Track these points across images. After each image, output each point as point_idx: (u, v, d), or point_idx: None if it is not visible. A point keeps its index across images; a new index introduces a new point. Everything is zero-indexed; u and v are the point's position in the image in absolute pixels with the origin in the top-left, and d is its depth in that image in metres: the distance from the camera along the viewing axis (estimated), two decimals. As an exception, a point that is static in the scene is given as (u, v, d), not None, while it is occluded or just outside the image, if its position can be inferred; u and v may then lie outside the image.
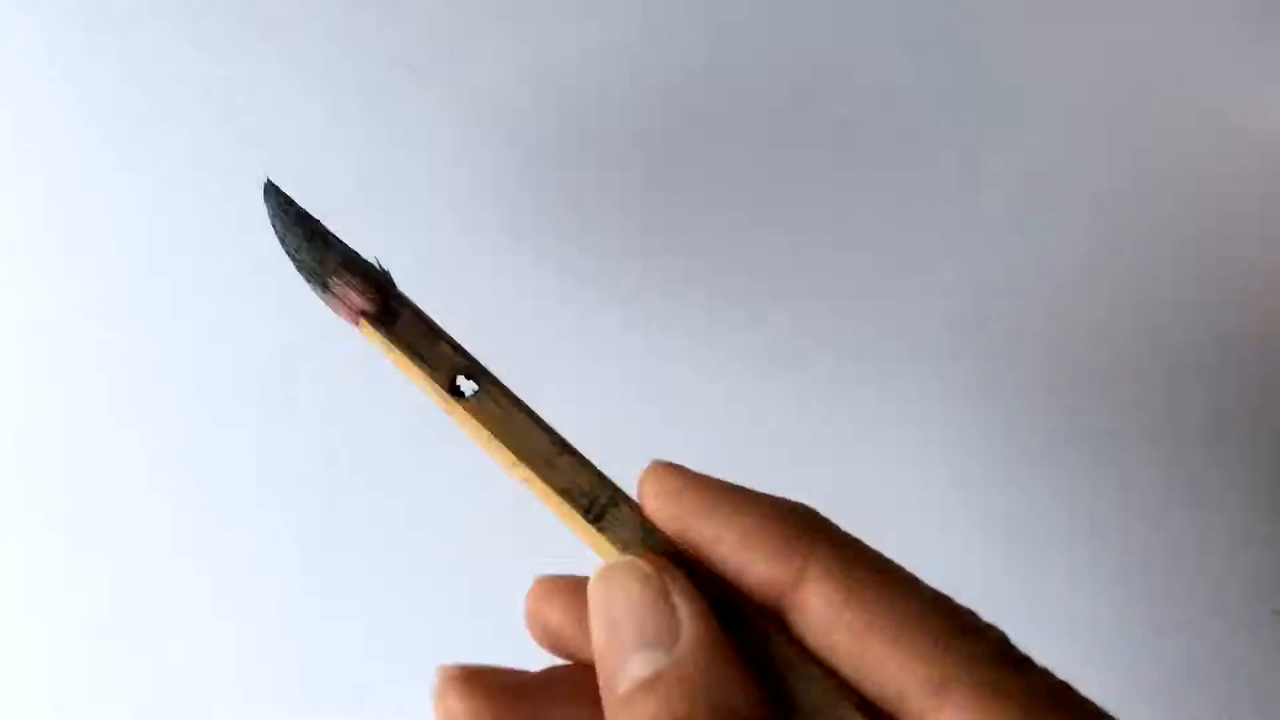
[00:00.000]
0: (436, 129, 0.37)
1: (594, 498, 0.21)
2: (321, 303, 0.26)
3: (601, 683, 0.20)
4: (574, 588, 0.22)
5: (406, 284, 0.38)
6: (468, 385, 0.22)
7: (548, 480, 0.21)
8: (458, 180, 0.38)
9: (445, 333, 0.24)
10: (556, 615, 0.22)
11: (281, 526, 0.38)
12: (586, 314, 0.38)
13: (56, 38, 0.38)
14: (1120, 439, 0.38)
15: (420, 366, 0.22)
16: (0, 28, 0.38)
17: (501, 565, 0.38)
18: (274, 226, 0.28)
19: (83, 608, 0.38)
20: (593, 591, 0.20)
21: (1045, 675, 0.19)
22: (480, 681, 0.21)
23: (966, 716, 0.18)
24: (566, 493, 0.21)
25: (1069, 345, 0.38)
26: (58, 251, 0.38)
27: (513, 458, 0.21)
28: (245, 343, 0.38)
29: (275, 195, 0.28)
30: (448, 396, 0.22)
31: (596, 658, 0.20)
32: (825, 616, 0.20)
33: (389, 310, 0.23)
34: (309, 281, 0.27)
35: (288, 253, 0.27)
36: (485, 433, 0.22)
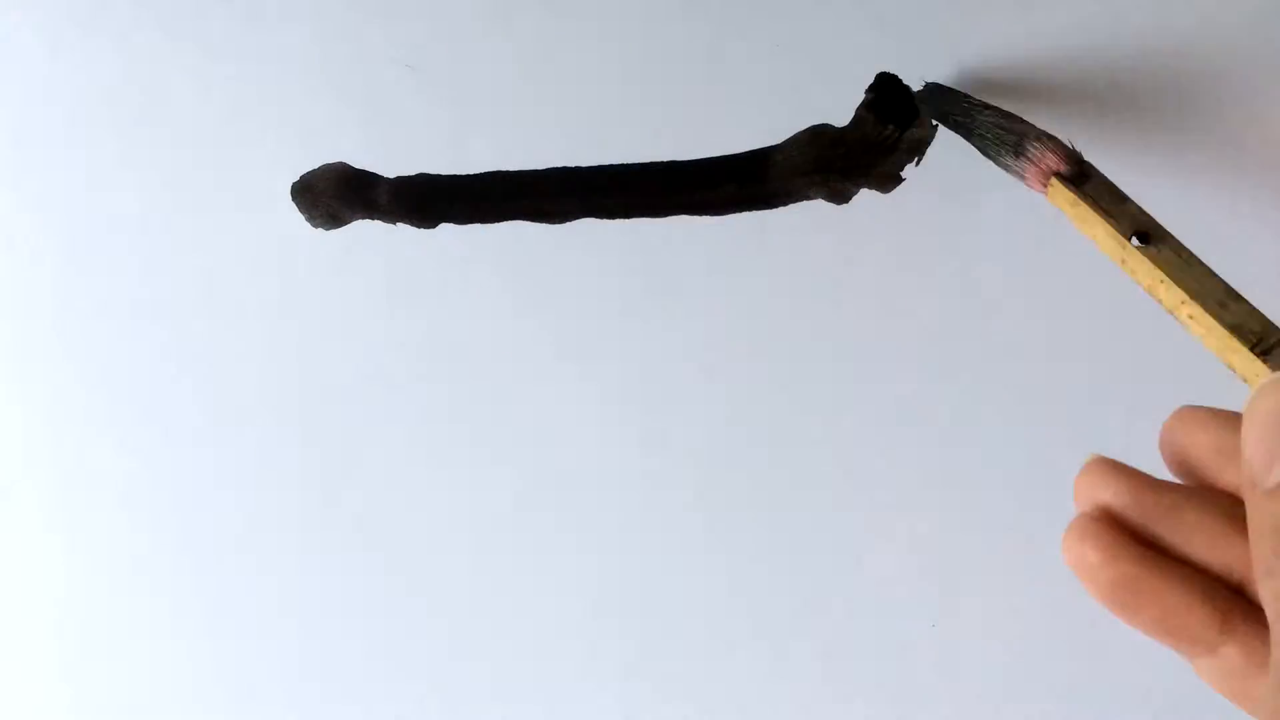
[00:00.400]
0: (436, 129, 0.37)
1: (1263, 336, 0.22)
2: (1001, 169, 0.29)
3: (1246, 480, 0.21)
4: (1216, 420, 0.24)
5: (408, 284, 0.38)
6: (1148, 240, 0.24)
7: (1218, 317, 0.23)
8: (457, 180, 0.38)
9: (1132, 200, 0.26)
10: (1197, 439, 0.24)
11: (281, 527, 0.38)
12: (586, 313, 0.38)
13: (56, 38, 0.38)
14: (1119, 438, 0.38)
15: (1105, 218, 0.25)
16: (0, 28, 0.38)
17: (501, 566, 0.39)
18: (957, 122, 0.31)
19: (82, 608, 0.38)
20: (1256, 399, 0.22)
21: None
22: (1124, 471, 0.25)
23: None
24: (1237, 328, 0.23)
25: (1068, 345, 0.38)
26: (57, 252, 0.38)
27: (1183, 295, 0.24)
28: (245, 342, 0.38)
29: (938, 93, 0.32)
30: (1125, 242, 0.25)
31: (1245, 459, 0.22)
32: None
33: (1082, 172, 0.26)
34: (994, 151, 0.30)
35: (968, 129, 0.31)
36: (1159, 274, 0.24)
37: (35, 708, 0.38)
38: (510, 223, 0.38)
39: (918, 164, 0.38)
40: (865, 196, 0.38)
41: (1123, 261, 0.25)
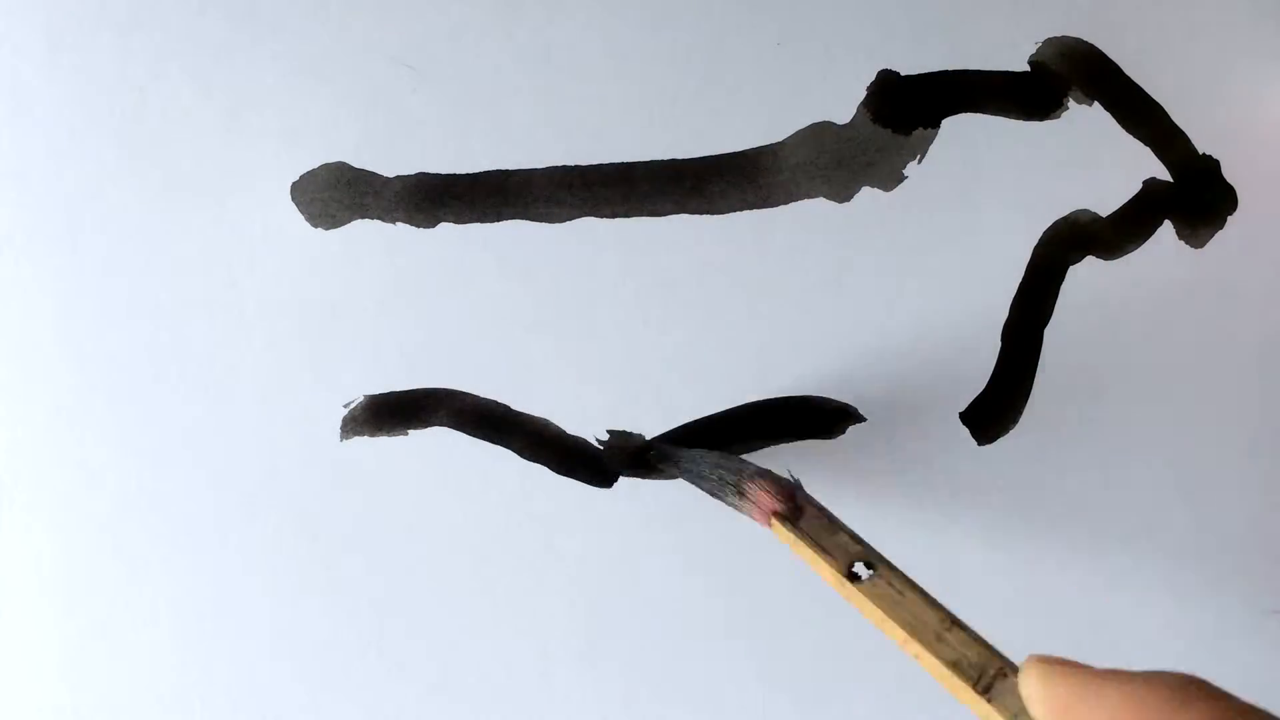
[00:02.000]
0: (436, 129, 0.37)
1: (983, 669, 0.22)
2: (729, 507, 0.31)
3: None
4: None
5: (407, 283, 0.38)
6: (864, 570, 0.25)
7: (937, 654, 0.23)
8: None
9: (843, 525, 0.27)
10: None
11: (280, 527, 0.38)
12: (587, 311, 0.38)
13: (56, 38, 0.38)
14: (1120, 439, 0.38)
15: (823, 557, 0.26)
16: (0, 27, 0.38)
17: (503, 563, 0.39)
18: (679, 473, 0.34)
19: (81, 610, 0.38)
20: None
21: None
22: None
23: None
24: (956, 665, 0.23)
25: (1067, 344, 0.38)
26: (57, 252, 0.38)
27: (905, 635, 0.24)
28: (245, 342, 0.38)
29: (666, 452, 0.35)
30: (845, 581, 0.25)
31: None
32: None
33: (796, 508, 0.27)
34: (720, 492, 0.32)
35: (697, 476, 0.33)
36: (879, 613, 0.24)
37: (35, 707, 0.38)
38: (510, 222, 0.38)
39: (920, 161, 0.38)
40: (865, 195, 0.38)
41: (848, 599, 0.25)
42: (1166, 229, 0.38)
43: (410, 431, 0.37)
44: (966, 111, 0.37)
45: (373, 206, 0.38)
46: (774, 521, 0.27)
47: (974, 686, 0.22)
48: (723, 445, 0.37)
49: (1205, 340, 0.38)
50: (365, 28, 0.37)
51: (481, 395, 0.38)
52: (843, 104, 0.37)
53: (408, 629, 0.38)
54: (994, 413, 0.38)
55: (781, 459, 0.37)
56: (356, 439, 0.38)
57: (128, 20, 0.37)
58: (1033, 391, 0.38)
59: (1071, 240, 0.37)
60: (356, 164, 0.37)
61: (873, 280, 0.37)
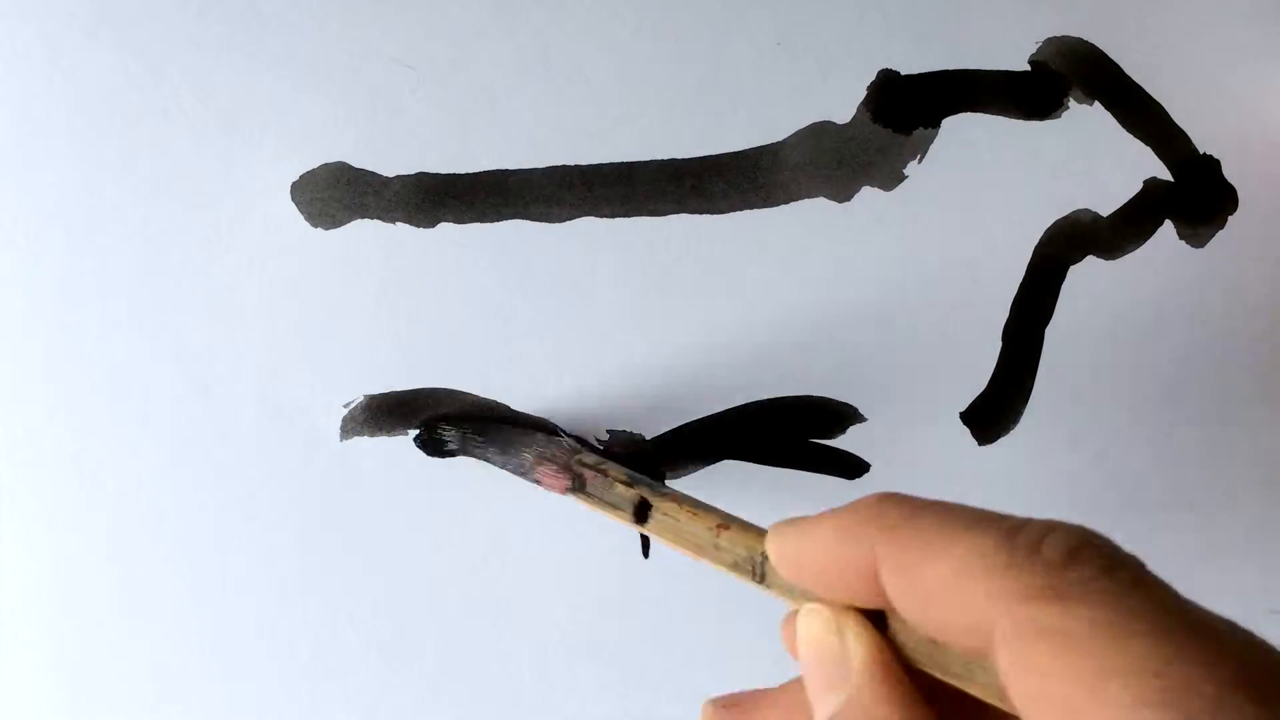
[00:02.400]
0: (436, 129, 0.37)
1: (754, 562, 0.23)
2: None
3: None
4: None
5: (407, 283, 0.38)
6: (645, 509, 0.27)
7: (718, 561, 0.25)
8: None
9: (616, 472, 0.29)
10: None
11: (279, 526, 0.38)
12: (587, 311, 0.38)
13: (56, 38, 0.38)
14: (1119, 438, 0.38)
15: (612, 513, 0.28)
16: (0, 27, 0.38)
17: (506, 560, 0.39)
18: (464, 454, 0.36)
19: (82, 608, 0.38)
20: (799, 629, 0.22)
21: (1098, 594, 0.17)
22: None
23: (1011, 668, 0.17)
24: (735, 566, 0.24)
25: (1067, 344, 0.38)
26: (56, 251, 0.38)
27: (693, 554, 0.25)
28: (244, 342, 0.38)
29: (429, 442, 0.36)
30: (636, 526, 0.27)
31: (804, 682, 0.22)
32: (901, 605, 0.20)
33: (578, 478, 0.29)
34: (519, 474, 0.34)
35: (490, 460, 0.35)
36: (669, 542, 0.26)
37: (35, 707, 0.38)
38: (510, 222, 0.38)
39: (920, 161, 0.38)
40: (865, 195, 0.38)
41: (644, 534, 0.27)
42: (1167, 229, 0.38)
43: (410, 431, 0.37)
44: (967, 111, 0.37)
45: (373, 206, 0.38)
46: (569, 496, 0.29)
47: (752, 578, 0.23)
48: (722, 445, 0.37)
49: (1205, 340, 0.38)
50: (365, 28, 0.37)
51: (481, 395, 0.38)
52: (843, 104, 0.37)
53: (408, 629, 0.38)
54: (994, 413, 0.38)
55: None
56: (356, 439, 0.38)
57: (128, 21, 0.37)
58: (1033, 391, 0.38)
59: (1071, 240, 0.37)
60: (356, 164, 0.37)
61: (873, 280, 0.37)
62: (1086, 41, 0.37)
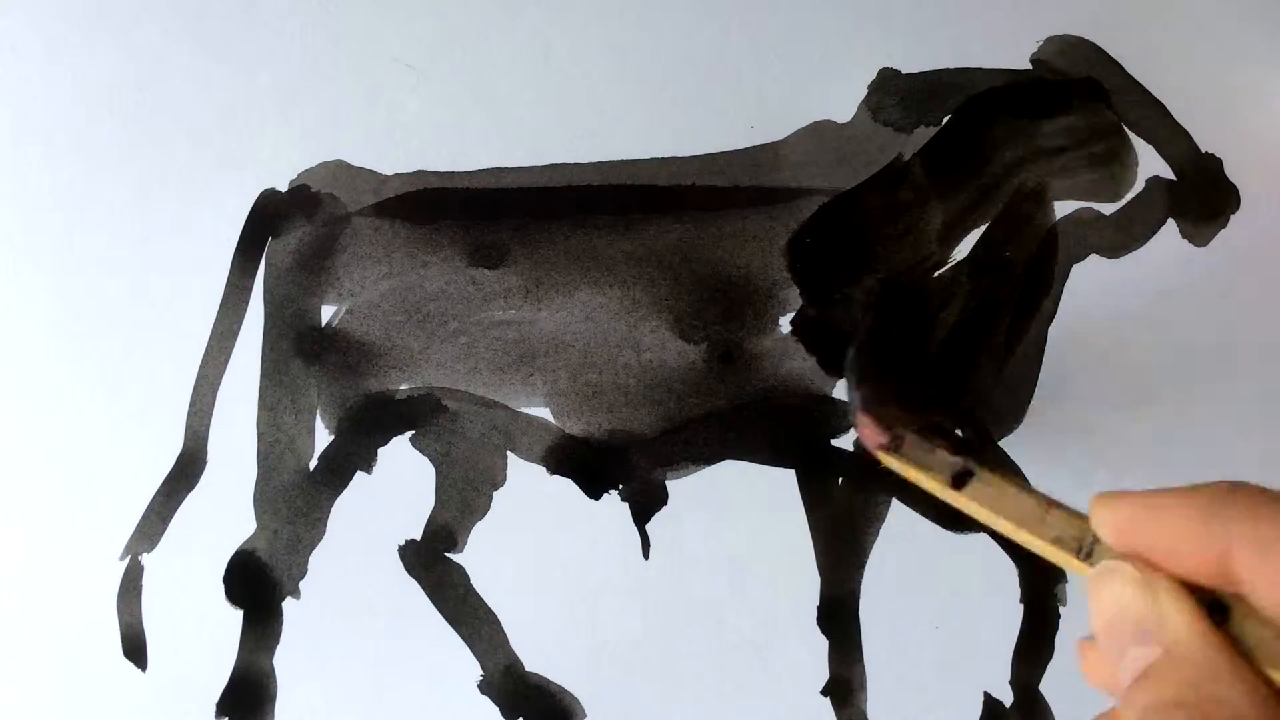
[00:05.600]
0: (436, 128, 0.37)
1: (1081, 541, 0.25)
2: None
3: (1109, 676, 0.22)
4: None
5: (407, 283, 0.38)
6: (965, 478, 0.28)
7: (1042, 535, 0.26)
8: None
9: (943, 439, 0.29)
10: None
11: (280, 528, 0.38)
12: (589, 311, 0.38)
13: (56, 38, 0.38)
14: (1120, 438, 0.38)
15: (926, 475, 0.28)
16: (0, 28, 0.38)
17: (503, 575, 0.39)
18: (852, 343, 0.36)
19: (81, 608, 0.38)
20: (1093, 590, 0.23)
21: None
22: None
23: None
24: (1059, 541, 0.25)
25: (1067, 344, 0.38)
26: (56, 251, 0.38)
27: (1013, 525, 0.26)
28: (244, 341, 0.38)
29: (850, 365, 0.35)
30: (950, 490, 0.27)
31: (1099, 644, 0.22)
32: (1260, 585, 0.20)
33: (897, 439, 0.29)
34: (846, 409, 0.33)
35: (848, 378, 0.34)
36: (985, 512, 0.27)
37: (35, 707, 0.38)
38: (510, 222, 0.38)
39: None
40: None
41: (955, 503, 0.28)
42: (1169, 227, 0.38)
43: (409, 432, 0.37)
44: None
45: (373, 206, 0.38)
46: (880, 454, 0.29)
47: (1076, 555, 0.24)
48: (722, 444, 0.37)
49: (1206, 340, 0.37)
50: (365, 28, 0.38)
51: (481, 395, 0.38)
52: (843, 103, 0.37)
53: (407, 629, 0.38)
54: (994, 413, 0.38)
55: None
56: (355, 439, 0.38)
57: (128, 20, 0.38)
58: (1035, 389, 0.38)
59: (1073, 240, 0.37)
60: (356, 163, 0.37)
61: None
62: (1088, 40, 0.37)
